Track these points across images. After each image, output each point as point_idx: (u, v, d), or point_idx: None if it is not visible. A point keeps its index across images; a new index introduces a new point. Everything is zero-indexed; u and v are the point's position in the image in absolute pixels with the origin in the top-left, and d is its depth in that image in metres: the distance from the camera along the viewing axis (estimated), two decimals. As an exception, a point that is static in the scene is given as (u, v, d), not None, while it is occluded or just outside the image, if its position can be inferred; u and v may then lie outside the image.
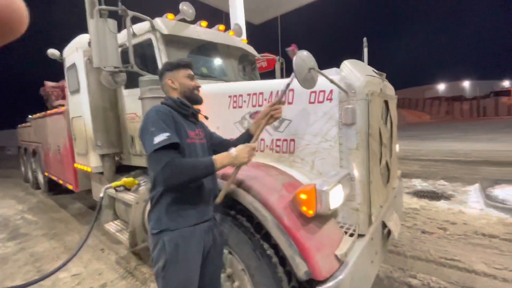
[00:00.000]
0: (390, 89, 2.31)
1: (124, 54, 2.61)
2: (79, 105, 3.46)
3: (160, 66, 2.63)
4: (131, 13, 2.27)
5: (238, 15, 6.82)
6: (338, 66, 1.82)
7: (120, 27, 2.49)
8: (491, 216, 3.55)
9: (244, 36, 6.93)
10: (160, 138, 1.13)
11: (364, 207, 1.67)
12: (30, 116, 6.46)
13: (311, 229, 1.36)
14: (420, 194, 4.73)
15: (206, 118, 1.59)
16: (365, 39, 3.08)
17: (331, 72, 2.19)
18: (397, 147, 2.76)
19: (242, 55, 3.48)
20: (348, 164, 1.67)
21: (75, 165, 3.97)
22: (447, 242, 2.99)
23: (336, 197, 1.40)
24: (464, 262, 2.56)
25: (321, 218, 1.45)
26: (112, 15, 2.28)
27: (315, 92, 1.78)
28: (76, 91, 3.49)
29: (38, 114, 5.78)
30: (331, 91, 1.71)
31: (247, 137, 1.58)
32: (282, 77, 4.39)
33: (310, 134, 1.82)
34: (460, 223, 3.41)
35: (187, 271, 1.23)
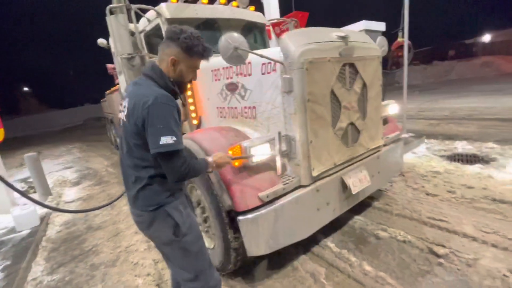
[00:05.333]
0: (364, 50, 2.28)
1: (145, 40, 3.18)
2: (123, 84, 4.36)
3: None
4: (134, 6, 2.77)
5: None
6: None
7: (138, 18, 3.05)
8: (525, 183, 3.14)
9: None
10: (166, 140, 1.09)
11: (304, 163, 1.96)
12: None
13: (239, 176, 1.78)
14: (455, 157, 4.33)
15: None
16: None
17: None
18: (385, 109, 2.73)
19: (246, 25, 3.66)
20: (290, 127, 1.94)
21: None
22: (448, 205, 2.91)
23: (260, 153, 1.75)
24: (451, 223, 2.54)
25: (252, 169, 1.83)
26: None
27: (265, 64, 2.02)
28: (120, 72, 4.37)
29: (108, 91, 7.26)
30: (275, 63, 1.93)
31: None
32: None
33: (265, 102, 2.11)
34: (478, 188, 3.16)
35: (197, 228, 1.37)
